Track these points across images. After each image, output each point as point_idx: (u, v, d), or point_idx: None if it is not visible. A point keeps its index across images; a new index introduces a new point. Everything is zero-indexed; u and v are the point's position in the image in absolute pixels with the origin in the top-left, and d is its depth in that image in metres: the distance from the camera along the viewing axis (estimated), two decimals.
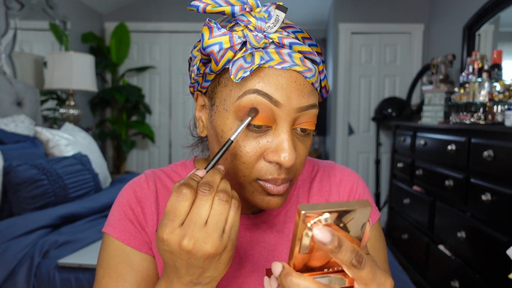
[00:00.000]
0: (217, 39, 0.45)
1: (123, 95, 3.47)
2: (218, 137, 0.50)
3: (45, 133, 2.14)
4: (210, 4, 0.45)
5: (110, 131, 3.83)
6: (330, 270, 0.38)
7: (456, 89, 2.27)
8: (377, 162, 3.51)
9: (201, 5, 0.45)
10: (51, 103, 2.95)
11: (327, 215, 0.33)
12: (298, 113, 0.47)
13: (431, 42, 3.38)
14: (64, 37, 3.03)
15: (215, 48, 0.45)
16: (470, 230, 1.67)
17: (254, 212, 0.61)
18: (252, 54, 0.45)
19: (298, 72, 0.47)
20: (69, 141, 2.23)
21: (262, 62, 0.45)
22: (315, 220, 0.33)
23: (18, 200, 1.71)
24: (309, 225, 0.33)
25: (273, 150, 0.47)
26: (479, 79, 2.06)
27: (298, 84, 0.47)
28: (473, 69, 2.17)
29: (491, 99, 1.93)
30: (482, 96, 2.00)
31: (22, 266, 1.36)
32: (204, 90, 0.52)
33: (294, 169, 0.51)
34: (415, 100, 3.42)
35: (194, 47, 0.53)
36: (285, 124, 0.47)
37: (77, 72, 2.55)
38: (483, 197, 1.55)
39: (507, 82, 1.94)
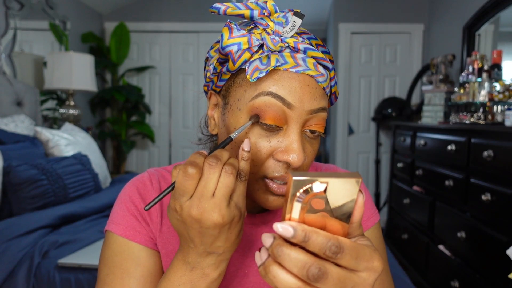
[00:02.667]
0: (236, 40, 0.47)
1: (123, 95, 3.47)
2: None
3: (45, 133, 2.14)
4: (230, 7, 0.48)
5: (110, 131, 3.83)
6: None
7: (456, 89, 2.27)
8: (377, 162, 3.51)
9: (222, 8, 0.48)
10: (51, 103, 2.95)
11: (316, 184, 0.34)
12: (309, 115, 0.49)
13: (431, 42, 3.38)
14: (64, 37, 3.03)
15: (234, 48, 0.47)
16: (470, 230, 1.67)
17: (259, 212, 0.62)
18: (268, 57, 0.47)
19: (311, 76, 0.49)
20: (69, 141, 2.23)
21: (277, 65, 0.47)
22: (306, 187, 0.34)
23: (18, 200, 1.71)
24: (298, 194, 0.34)
25: (282, 150, 0.49)
26: (479, 79, 2.06)
27: (310, 88, 0.49)
28: (473, 69, 2.17)
29: (491, 99, 1.93)
30: (482, 96, 2.00)
31: (22, 266, 1.36)
32: (218, 89, 0.54)
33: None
34: (415, 100, 3.42)
35: (211, 48, 0.56)
36: (296, 126, 0.49)
37: (77, 72, 2.55)
38: (483, 197, 1.55)
39: (507, 82, 1.94)
